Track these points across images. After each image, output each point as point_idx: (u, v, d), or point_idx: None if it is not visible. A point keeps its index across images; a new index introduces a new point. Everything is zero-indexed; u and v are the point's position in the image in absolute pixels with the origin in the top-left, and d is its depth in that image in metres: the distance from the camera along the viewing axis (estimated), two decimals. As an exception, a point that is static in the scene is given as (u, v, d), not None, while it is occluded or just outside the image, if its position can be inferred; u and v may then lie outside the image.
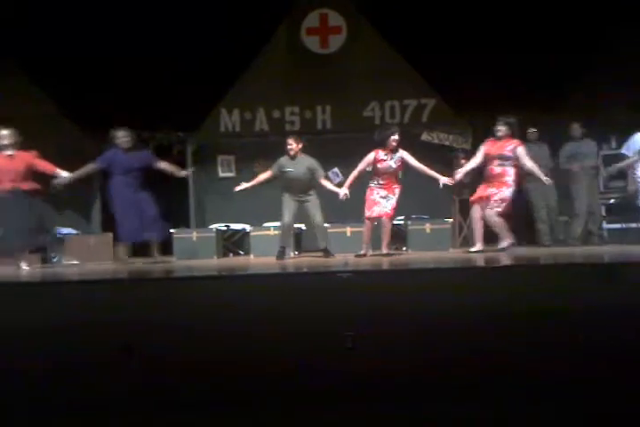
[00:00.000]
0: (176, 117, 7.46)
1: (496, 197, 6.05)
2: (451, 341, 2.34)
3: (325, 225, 6.95)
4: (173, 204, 8.31)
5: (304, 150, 6.70)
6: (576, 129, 7.24)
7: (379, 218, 6.33)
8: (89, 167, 6.59)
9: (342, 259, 6.26)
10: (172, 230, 7.80)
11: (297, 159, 6.58)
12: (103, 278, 4.81)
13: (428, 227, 7.26)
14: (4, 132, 6.26)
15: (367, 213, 6.32)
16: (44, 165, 6.40)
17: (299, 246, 7.52)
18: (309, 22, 8.67)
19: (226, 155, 8.42)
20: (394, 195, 6.32)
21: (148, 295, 3.72)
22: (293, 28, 8.67)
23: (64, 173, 6.40)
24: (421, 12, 7.91)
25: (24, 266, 6.18)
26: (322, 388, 2.03)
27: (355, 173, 6.42)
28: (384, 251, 6.32)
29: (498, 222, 6.06)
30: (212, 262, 7.05)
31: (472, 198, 6.27)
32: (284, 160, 6.62)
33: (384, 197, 6.30)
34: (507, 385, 1.92)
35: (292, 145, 6.57)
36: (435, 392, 1.95)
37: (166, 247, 7.83)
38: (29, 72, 8.37)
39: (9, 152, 6.24)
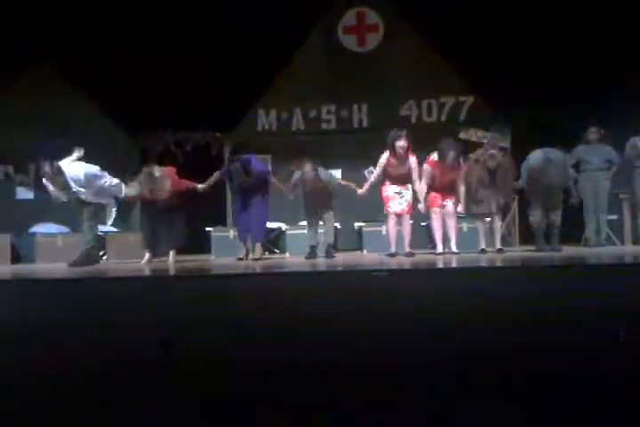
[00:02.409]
0: (213, 118, 7.53)
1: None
2: (482, 339, 2.33)
3: (336, 225, 7.08)
4: (212, 202, 8.42)
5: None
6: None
7: (398, 215, 6.34)
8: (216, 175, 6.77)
9: (378, 258, 6.24)
10: (209, 229, 7.92)
11: None
12: (145, 275, 4.91)
13: (464, 226, 7.17)
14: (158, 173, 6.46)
15: (385, 210, 6.38)
16: (187, 184, 6.61)
17: (334, 245, 7.50)
18: (346, 21, 8.67)
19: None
20: (407, 190, 6.32)
21: (186, 292, 3.78)
22: (331, 26, 8.68)
23: (200, 186, 6.63)
24: (459, 9, 7.82)
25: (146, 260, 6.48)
26: (351, 385, 2.03)
27: (372, 180, 6.48)
28: (407, 250, 6.30)
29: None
30: (247, 260, 7.10)
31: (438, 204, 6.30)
32: None
33: (398, 193, 6.32)
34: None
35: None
36: (469, 391, 1.93)
37: (204, 245, 7.97)
38: (68, 74, 8.60)
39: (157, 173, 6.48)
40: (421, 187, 6.20)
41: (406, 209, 6.35)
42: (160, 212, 6.53)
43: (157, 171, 6.39)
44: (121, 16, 7.97)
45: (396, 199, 6.32)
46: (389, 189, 6.35)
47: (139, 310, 3.21)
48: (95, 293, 3.87)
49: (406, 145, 6.15)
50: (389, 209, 6.36)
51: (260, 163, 6.79)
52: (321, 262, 5.98)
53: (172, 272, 5.25)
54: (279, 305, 3.24)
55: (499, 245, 6.33)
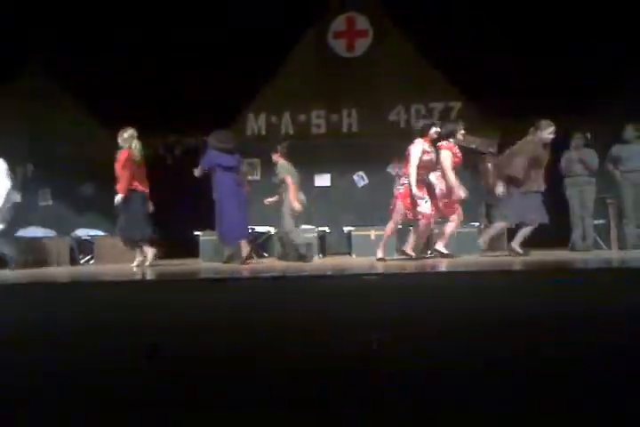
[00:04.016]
0: (203, 122, 7.52)
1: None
2: (474, 344, 2.33)
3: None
4: (200, 206, 8.39)
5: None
6: (629, 131, 7.08)
7: (416, 219, 6.20)
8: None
9: (367, 262, 6.23)
10: (197, 233, 7.90)
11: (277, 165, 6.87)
12: (129, 280, 4.87)
13: (456, 231, 7.18)
14: (128, 132, 6.27)
15: (406, 213, 6.13)
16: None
17: (323, 250, 7.52)
18: (336, 26, 8.71)
19: (251, 158, 8.48)
20: (426, 194, 6.14)
21: (172, 296, 3.76)
22: (321, 31, 8.72)
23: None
24: (449, 15, 7.87)
25: (137, 262, 6.39)
26: (342, 389, 2.03)
27: (414, 171, 6.08)
28: (409, 253, 6.23)
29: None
30: (235, 264, 7.08)
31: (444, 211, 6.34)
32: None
33: (422, 198, 6.11)
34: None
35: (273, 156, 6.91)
36: (456, 396, 1.93)
37: (193, 249, 7.93)
38: (56, 76, 8.56)
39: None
40: (450, 175, 6.26)
41: (430, 214, 6.15)
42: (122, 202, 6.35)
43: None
44: (106, 17, 7.96)
45: (420, 204, 6.10)
46: (414, 195, 6.10)
47: (119, 315, 3.18)
48: (77, 297, 3.84)
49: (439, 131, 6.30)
50: (408, 215, 6.13)
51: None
52: (309, 266, 5.97)
53: (148, 276, 5.21)
54: (269, 309, 3.23)
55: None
